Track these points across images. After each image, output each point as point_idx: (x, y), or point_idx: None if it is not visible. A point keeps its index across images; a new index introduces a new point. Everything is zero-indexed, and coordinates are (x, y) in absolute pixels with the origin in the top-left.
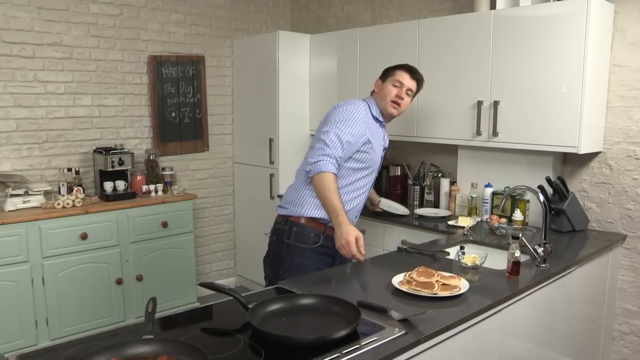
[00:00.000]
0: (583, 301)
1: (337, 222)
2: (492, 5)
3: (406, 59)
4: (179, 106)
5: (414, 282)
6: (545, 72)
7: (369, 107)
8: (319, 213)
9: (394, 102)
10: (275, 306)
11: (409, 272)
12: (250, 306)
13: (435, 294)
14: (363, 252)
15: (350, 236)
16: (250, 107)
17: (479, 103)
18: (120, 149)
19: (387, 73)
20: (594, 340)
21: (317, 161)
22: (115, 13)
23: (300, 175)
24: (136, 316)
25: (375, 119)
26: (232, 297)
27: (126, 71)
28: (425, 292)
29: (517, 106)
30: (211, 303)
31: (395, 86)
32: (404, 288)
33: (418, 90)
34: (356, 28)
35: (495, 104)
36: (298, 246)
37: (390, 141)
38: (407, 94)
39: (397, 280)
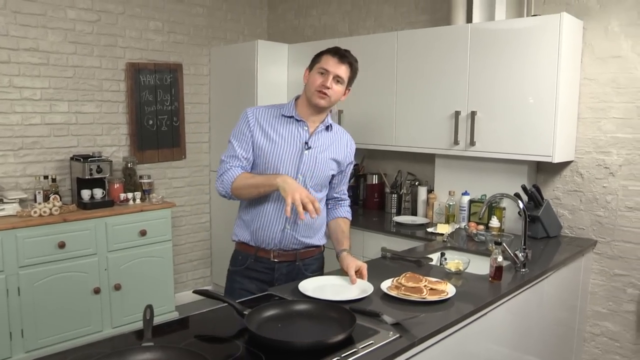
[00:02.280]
0: (557, 305)
1: (277, 182)
2: (469, 19)
3: (384, 70)
4: (157, 114)
5: (402, 288)
6: (521, 83)
7: (277, 109)
8: (242, 235)
9: (319, 91)
10: (270, 312)
11: (397, 278)
12: (246, 312)
13: (424, 298)
14: (316, 206)
15: (296, 190)
16: (227, 116)
17: (457, 113)
18: (98, 157)
19: (314, 60)
20: (567, 343)
21: (221, 177)
22: (93, 19)
23: None
24: (113, 326)
25: (285, 116)
26: (224, 304)
27: (104, 78)
28: (414, 297)
29: (494, 116)
30: (202, 310)
31: (321, 74)
32: (394, 293)
33: (352, 76)
34: (334, 38)
35: (473, 114)
36: (230, 270)
37: (367, 150)
38: (337, 82)
39: (386, 285)
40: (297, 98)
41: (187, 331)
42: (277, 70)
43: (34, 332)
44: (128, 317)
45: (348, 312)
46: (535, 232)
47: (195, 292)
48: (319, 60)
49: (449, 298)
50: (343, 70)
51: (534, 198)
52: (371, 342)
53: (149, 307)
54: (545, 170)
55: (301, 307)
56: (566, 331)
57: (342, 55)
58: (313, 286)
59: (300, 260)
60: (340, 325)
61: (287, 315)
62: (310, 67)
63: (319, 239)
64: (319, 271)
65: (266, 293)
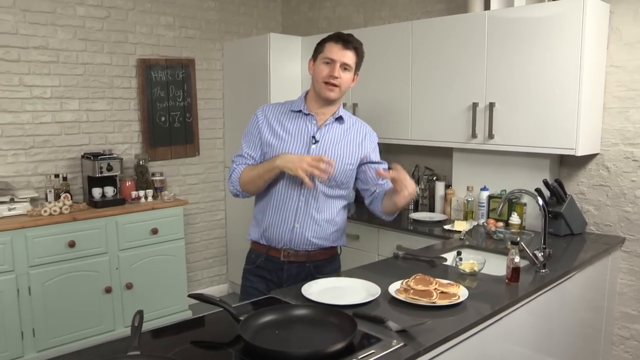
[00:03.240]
0: (582, 306)
1: (280, 162)
2: (486, 6)
3: (399, 61)
4: (169, 110)
5: (411, 291)
6: (541, 73)
7: (286, 106)
8: (254, 234)
9: (327, 83)
10: (267, 318)
11: (406, 280)
12: (242, 318)
13: (434, 303)
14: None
15: (303, 159)
16: (241, 111)
17: (474, 105)
18: (108, 155)
19: (317, 50)
20: (593, 346)
21: (230, 178)
22: (103, 16)
23: None
24: (126, 325)
25: (294, 111)
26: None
27: (114, 75)
28: (423, 301)
29: (513, 108)
30: (203, 314)
31: (327, 63)
32: (402, 297)
33: (359, 60)
34: (348, 30)
35: (491, 105)
36: (244, 268)
37: (383, 144)
38: (345, 69)
39: (394, 288)
40: (307, 92)
41: (183, 336)
42: (291, 64)
43: (45, 332)
44: None
45: (349, 318)
46: (558, 229)
47: (190, 295)
48: (322, 49)
49: (460, 302)
50: (349, 57)
51: (557, 193)
52: (372, 351)
53: (139, 313)
54: (569, 163)
55: (300, 312)
56: (592, 333)
57: (345, 40)
58: (318, 289)
59: (311, 261)
60: (341, 332)
61: (285, 321)
62: (314, 56)
63: (333, 241)
64: (333, 275)
65: (269, 296)
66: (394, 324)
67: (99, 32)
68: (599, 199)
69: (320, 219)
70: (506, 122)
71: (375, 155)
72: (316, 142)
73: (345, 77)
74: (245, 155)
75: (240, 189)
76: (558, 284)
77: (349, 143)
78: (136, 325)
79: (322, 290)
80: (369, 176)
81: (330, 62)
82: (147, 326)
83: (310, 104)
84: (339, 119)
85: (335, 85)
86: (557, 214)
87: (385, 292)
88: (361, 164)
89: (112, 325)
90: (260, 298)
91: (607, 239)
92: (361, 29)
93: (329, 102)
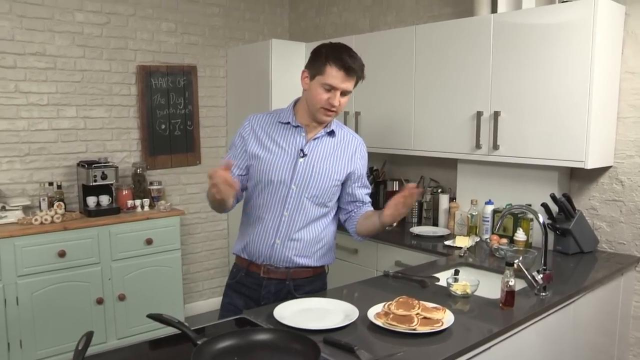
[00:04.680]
0: (592, 329)
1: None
2: (494, 9)
3: (403, 67)
4: (169, 118)
5: (391, 315)
6: (549, 79)
7: (275, 115)
8: (237, 247)
9: (325, 109)
10: (226, 343)
11: (388, 303)
12: (199, 342)
13: (413, 329)
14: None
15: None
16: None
17: (479, 114)
18: (104, 163)
19: (315, 65)
20: None
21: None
22: (102, 22)
23: None
24: (118, 337)
25: (282, 123)
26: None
27: (113, 82)
28: (401, 328)
29: (519, 117)
30: (163, 335)
31: (327, 90)
32: (380, 322)
33: (359, 81)
34: (352, 35)
35: (496, 114)
36: (226, 283)
37: (388, 155)
38: (344, 95)
39: (374, 311)
40: (296, 101)
41: None
42: (295, 71)
43: (32, 343)
44: (133, 329)
45: (314, 345)
46: (566, 247)
47: (148, 316)
48: (322, 72)
49: (444, 329)
50: (350, 83)
51: (565, 208)
52: None
53: (86, 335)
54: (580, 177)
55: (263, 337)
56: (604, 359)
57: (348, 69)
58: (292, 310)
59: (292, 279)
60: (305, 359)
61: (245, 347)
62: (311, 73)
63: (318, 259)
64: (314, 294)
65: (240, 317)
66: (366, 353)
67: (98, 39)
68: (612, 215)
69: (304, 237)
70: (512, 132)
71: (363, 171)
72: (304, 155)
73: (344, 101)
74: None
75: (210, 206)
76: (563, 307)
77: (339, 158)
78: (80, 348)
79: (297, 311)
80: (349, 191)
81: (331, 89)
82: (138, 339)
83: (300, 116)
84: (331, 132)
85: (332, 112)
86: (565, 231)
87: (363, 316)
88: (346, 179)
89: (103, 337)
90: (229, 319)
91: (621, 258)
92: (364, 34)
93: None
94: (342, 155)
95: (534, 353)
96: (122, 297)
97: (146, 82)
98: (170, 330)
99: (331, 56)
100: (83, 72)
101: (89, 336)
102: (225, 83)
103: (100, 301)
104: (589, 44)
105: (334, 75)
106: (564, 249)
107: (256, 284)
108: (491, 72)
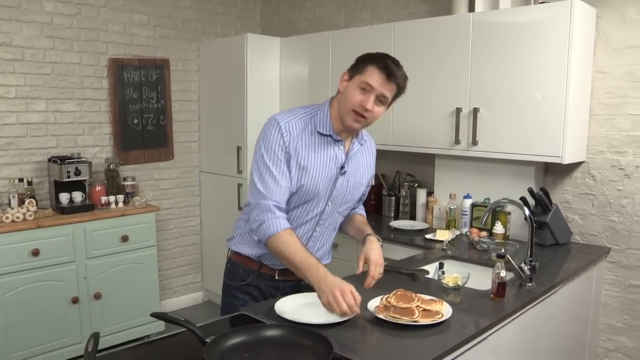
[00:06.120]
0: (568, 319)
1: (314, 279)
2: (471, 8)
3: None
4: (142, 112)
5: (392, 308)
6: (527, 78)
7: (311, 121)
8: (245, 249)
9: (356, 112)
10: (236, 340)
11: (386, 296)
12: (208, 340)
13: (416, 321)
14: (358, 304)
15: (336, 288)
16: (218, 114)
17: (458, 110)
18: (77, 158)
19: (358, 66)
20: (578, 358)
21: (261, 224)
22: (73, 12)
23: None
24: None
25: (322, 134)
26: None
27: (85, 75)
28: (404, 320)
29: (498, 114)
30: (166, 335)
31: (363, 89)
32: (382, 315)
33: (397, 95)
34: (328, 31)
35: (475, 111)
36: (228, 284)
37: None
38: (380, 102)
39: (374, 304)
40: (330, 104)
41: None
42: (269, 65)
43: (5, 346)
44: (110, 327)
45: (325, 339)
46: (543, 239)
47: (152, 315)
48: (363, 71)
49: (444, 321)
50: (389, 90)
51: (542, 202)
52: None
53: (94, 337)
54: (554, 171)
55: (272, 333)
56: (577, 346)
57: (390, 73)
58: (291, 306)
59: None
60: (316, 355)
61: (255, 343)
62: (351, 73)
63: (325, 258)
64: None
65: (239, 314)
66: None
67: (69, 30)
68: (584, 208)
69: (325, 244)
70: (491, 128)
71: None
72: (344, 173)
73: (377, 111)
74: (282, 187)
75: (266, 244)
76: (545, 298)
77: (366, 165)
78: (89, 350)
79: (297, 307)
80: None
81: (368, 89)
82: (115, 338)
83: (335, 123)
84: (362, 142)
85: (363, 117)
86: (542, 224)
87: (364, 310)
88: None
89: (79, 337)
90: (228, 316)
91: (592, 249)
92: (341, 30)
93: (352, 130)
94: (368, 162)
95: (527, 338)
96: (97, 296)
97: (118, 76)
98: (152, 329)
99: (375, 59)
100: (53, 64)
101: (96, 337)
102: (198, 77)
103: (75, 300)
104: (566, 44)
105: (374, 75)
106: (540, 241)
107: (272, 287)
108: (470, 69)
